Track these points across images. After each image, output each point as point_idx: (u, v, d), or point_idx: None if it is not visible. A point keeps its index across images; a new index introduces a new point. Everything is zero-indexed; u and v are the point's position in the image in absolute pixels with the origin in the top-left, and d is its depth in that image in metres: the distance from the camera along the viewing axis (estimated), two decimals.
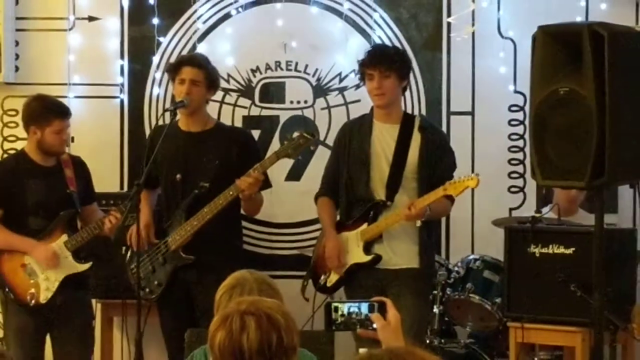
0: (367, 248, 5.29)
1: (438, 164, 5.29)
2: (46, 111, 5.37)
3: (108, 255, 5.66)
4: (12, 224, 5.38)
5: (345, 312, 2.93)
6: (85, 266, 5.40)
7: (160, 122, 5.81)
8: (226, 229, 5.40)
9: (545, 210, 5.70)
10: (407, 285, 5.16)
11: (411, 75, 5.71)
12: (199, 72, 5.40)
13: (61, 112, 5.41)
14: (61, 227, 5.39)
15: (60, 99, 5.74)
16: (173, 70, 5.46)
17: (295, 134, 5.28)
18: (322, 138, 6.19)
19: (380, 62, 5.25)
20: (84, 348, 5.49)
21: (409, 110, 6.06)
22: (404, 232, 5.24)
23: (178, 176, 5.40)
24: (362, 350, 3.15)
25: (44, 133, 5.36)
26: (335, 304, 2.95)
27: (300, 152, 5.35)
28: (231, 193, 5.25)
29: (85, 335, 5.49)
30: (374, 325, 2.91)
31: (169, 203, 5.46)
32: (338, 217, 5.45)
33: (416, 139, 5.30)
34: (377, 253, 5.26)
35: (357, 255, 5.30)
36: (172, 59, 6.11)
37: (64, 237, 5.37)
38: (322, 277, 5.44)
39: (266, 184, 5.49)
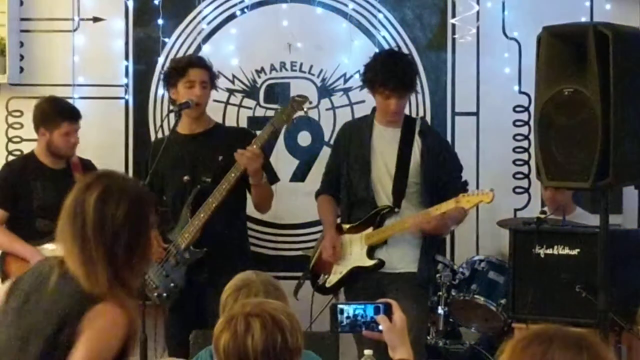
0: (370, 252, 5.29)
1: (441, 168, 5.28)
2: (55, 113, 5.38)
3: None
4: (19, 226, 5.38)
5: (351, 314, 2.92)
6: None
7: (165, 124, 5.83)
8: (235, 230, 5.40)
9: (546, 210, 5.71)
10: (405, 288, 5.13)
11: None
12: (207, 73, 5.40)
13: (70, 115, 5.43)
14: None
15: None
16: (180, 72, 5.36)
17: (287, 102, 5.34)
18: (326, 139, 6.20)
19: (402, 86, 5.18)
20: None
21: (414, 111, 6.08)
22: (406, 237, 5.23)
23: (186, 177, 5.37)
24: (367, 352, 3.16)
25: (53, 135, 5.37)
26: (341, 306, 2.94)
27: (294, 117, 5.35)
28: (233, 175, 5.21)
29: None
30: (380, 327, 2.91)
31: (176, 205, 5.42)
32: (339, 219, 5.45)
33: (417, 144, 5.30)
34: (380, 258, 5.26)
35: (360, 259, 5.30)
36: None
37: None
38: (322, 277, 5.43)
39: (274, 177, 5.49)
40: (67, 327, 2.76)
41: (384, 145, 5.32)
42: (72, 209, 2.85)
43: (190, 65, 5.38)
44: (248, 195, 5.47)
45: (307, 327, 5.36)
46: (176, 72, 5.39)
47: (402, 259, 5.25)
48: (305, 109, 5.43)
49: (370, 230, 5.29)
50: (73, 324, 2.75)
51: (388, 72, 5.17)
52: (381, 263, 5.25)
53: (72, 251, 2.84)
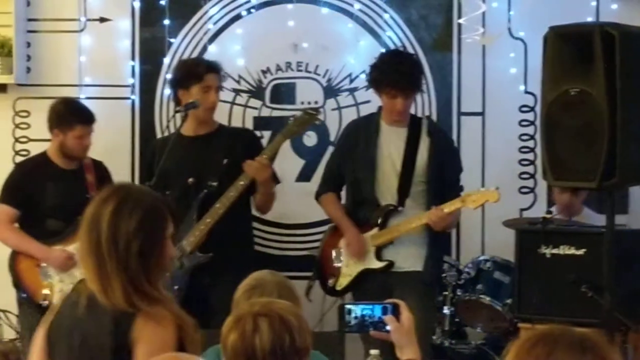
0: (378, 253, 5.29)
1: (446, 167, 5.30)
2: (70, 116, 5.41)
3: None
4: (30, 226, 5.40)
5: (359, 314, 2.93)
6: None
7: (171, 124, 5.83)
8: (239, 230, 5.40)
9: (552, 210, 5.72)
10: (411, 287, 5.13)
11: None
12: (220, 77, 5.43)
13: (85, 117, 5.45)
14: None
15: None
16: (198, 77, 5.34)
17: (299, 113, 5.33)
18: (332, 139, 6.20)
19: (408, 85, 5.21)
20: None
21: (420, 111, 6.08)
22: (413, 237, 5.24)
23: (190, 180, 5.37)
24: (373, 352, 3.17)
25: (66, 137, 5.40)
26: (349, 306, 2.95)
27: (305, 129, 5.41)
28: (241, 183, 5.23)
29: None
30: (387, 327, 2.91)
31: (180, 207, 5.40)
32: None
33: (424, 144, 5.31)
34: (389, 259, 5.27)
35: (369, 261, 5.30)
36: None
37: None
38: (331, 280, 5.43)
39: (275, 179, 5.49)
40: (122, 349, 2.83)
41: (391, 144, 5.33)
42: (89, 223, 2.90)
43: (209, 71, 5.38)
44: None
45: (315, 327, 5.37)
46: (193, 76, 5.37)
47: (408, 258, 5.26)
48: (317, 123, 5.48)
49: (375, 230, 5.29)
50: (125, 341, 2.82)
51: (394, 72, 5.19)
52: (391, 264, 5.26)
53: (88, 264, 2.90)
